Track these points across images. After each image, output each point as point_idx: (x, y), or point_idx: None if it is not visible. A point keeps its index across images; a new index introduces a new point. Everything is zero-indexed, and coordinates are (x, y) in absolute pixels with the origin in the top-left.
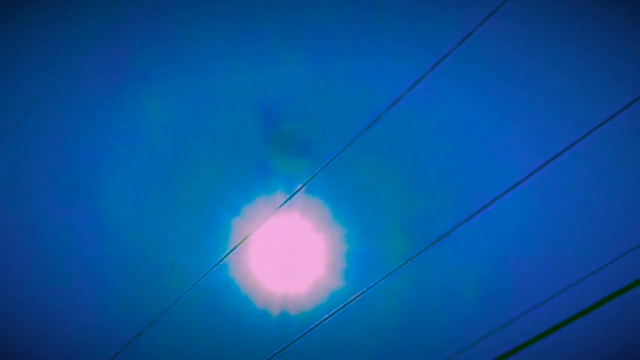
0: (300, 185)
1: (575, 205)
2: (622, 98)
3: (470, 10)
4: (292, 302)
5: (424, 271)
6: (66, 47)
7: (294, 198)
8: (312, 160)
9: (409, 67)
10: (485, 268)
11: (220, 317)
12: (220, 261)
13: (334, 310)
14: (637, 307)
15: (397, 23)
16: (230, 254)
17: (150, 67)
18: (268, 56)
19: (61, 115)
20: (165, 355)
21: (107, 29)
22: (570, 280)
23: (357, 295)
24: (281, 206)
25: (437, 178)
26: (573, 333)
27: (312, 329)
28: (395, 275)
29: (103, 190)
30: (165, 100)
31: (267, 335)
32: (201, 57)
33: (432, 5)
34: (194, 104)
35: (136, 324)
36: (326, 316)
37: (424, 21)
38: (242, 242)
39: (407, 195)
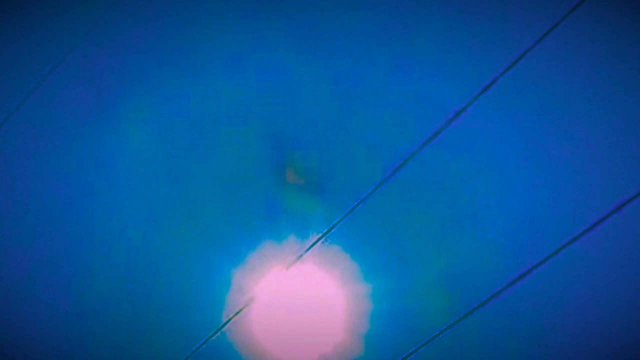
0: (318, 235)
1: None
2: None
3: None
4: None
5: (468, 337)
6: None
7: (311, 249)
8: (333, 203)
9: (450, 96)
10: (534, 340)
11: None
12: (221, 327)
13: None
14: None
15: (437, 46)
16: (234, 318)
17: (137, 81)
18: (282, 73)
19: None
20: None
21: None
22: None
23: None
24: (297, 258)
25: (482, 228)
26: None
27: None
28: (433, 342)
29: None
30: (153, 126)
31: None
32: (200, 68)
33: (477, 27)
34: (189, 125)
35: None
36: None
37: (468, 44)
38: (243, 307)
39: (447, 248)
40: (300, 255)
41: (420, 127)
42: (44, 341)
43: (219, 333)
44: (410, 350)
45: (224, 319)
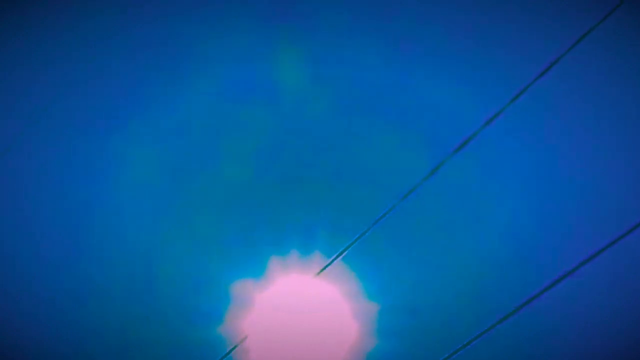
0: (329, 259)
1: None
2: None
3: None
4: None
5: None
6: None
7: (322, 272)
8: (346, 224)
9: (477, 105)
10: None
11: None
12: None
13: None
14: None
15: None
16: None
17: (140, 89)
18: (294, 82)
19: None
20: None
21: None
22: None
23: None
24: (304, 281)
25: (507, 246)
26: None
27: None
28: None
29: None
30: (156, 134)
31: None
32: (205, 74)
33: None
34: (187, 138)
35: None
36: None
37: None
38: (242, 340)
39: (468, 267)
40: (320, 271)
41: (438, 145)
42: (43, 342)
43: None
44: None
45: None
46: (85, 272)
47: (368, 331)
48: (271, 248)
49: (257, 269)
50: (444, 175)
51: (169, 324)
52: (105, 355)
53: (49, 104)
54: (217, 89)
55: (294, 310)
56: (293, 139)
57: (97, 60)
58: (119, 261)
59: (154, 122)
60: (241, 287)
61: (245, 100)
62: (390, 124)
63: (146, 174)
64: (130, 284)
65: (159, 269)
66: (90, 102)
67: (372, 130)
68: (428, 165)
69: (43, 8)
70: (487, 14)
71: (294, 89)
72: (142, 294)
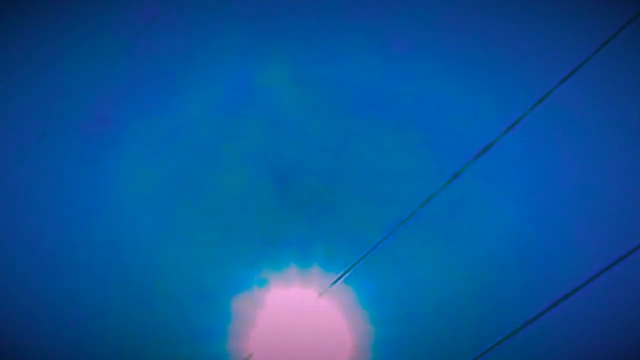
0: (333, 279)
1: None
2: None
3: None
4: None
5: None
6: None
7: (326, 292)
8: (351, 244)
9: (497, 112)
10: None
11: None
12: None
13: None
14: None
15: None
16: None
17: (144, 94)
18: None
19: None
20: None
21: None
22: None
23: None
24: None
25: (524, 254)
26: None
27: None
28: None
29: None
30: (160, 141)
31: None
32: (208, 81)
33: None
34: (189, 147)
35: None
36: None
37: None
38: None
39: (485, 277)
40: (324, 292)
41: (448, 160)
42: (43, 341)
43: None
44: None
45: None
46: (79, 290)
47: (368, 347)
48: (274, 262)
49: (259, 284)
50: (462, 183)
51: (170, 341)
52: None
53: (48, 107)
54: (218, 95)
55: (297, 328)
56: (298, 147)
57: (97, 66)
58: (118, 277)
59: (154, 132)
60: (243, 304)
61: (248, 105)
62: (408, 132)
63: (147, 191)
64: (130, 298)
65: (158, 285)
66: (90, 105)
67: (381, 138)
68: (446, 173)
69: (43, 10)
70: (509, 22)
71: (301, 97)
72: (142, 310)
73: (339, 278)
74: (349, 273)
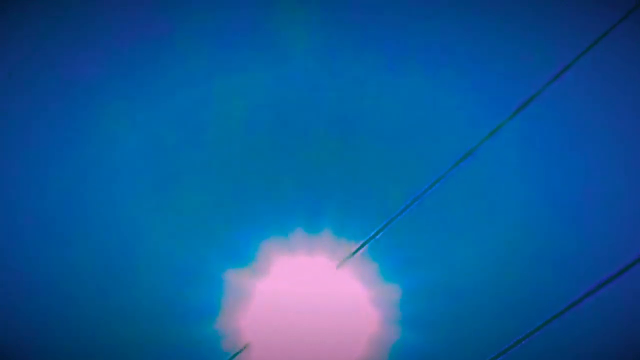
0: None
1: None
2: None
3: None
4: None
5: None
6: None
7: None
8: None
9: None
10: None
11: None
12: None
13: None
14: None
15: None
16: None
17: (130, 77)
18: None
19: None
20: None
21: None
22: None
23: None
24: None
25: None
26: None
27: None
28: None
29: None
30: (148, 125)
31: None
32: (199, 65)
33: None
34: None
35: None
36: None
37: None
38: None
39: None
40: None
41: (478, 122)
42: (31, 338)
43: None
44: None
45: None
46: (69, 263)
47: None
48: (280, 237)
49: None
50: (496, 145)
51: (168, 323)
52: (95, 353)
53: (43, 99)
54: (217, 78)
55: (305, 309)
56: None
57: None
58: (108, 251)
59: (143, 107)
60: (249, 277)
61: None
62: (414, 119)
63: (135, 158)
64: (122, 275)
65: (153, 261)
66: (82, 92)
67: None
68: (477, 135)
69: (42, 5)
70: (498, 19)
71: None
72: (133, 288)
73: (360, 247)
74: (370, 242)
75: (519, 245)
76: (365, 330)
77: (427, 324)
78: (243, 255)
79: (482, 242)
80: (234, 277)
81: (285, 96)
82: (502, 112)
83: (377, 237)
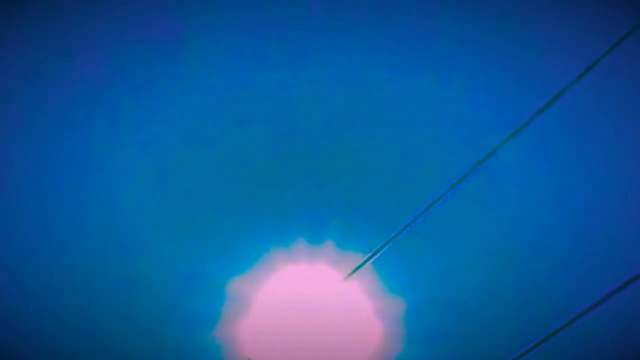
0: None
1: None
2: None
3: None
4: None
5: None
6: None
7: (352, 274)
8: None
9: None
10: None
11: None
12: None
13: None
14: None
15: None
16: None
17: (133, 77)
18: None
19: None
20: None
21: None
22: None
23: None
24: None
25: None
26: None
27: None
28: None
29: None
30: (152, 123)
31: None
32: (203, 64)
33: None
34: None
35: None
36: None
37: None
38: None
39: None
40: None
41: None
42: (30, 339)
43: None
44: None
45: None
46: (68, 270)
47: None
48: (283, 247)
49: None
50: (500, 161)
51: (169, 331)
52: (95, 356)
53: (45, 99)
54: (221, 83)
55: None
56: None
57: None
58: (110, 257)
59: (149, 113)
60: (253, 288)
61: (252, 93)
62: (422, 132)
63: (137, 164)
64: (123, 282)
65: (155, 269)
66: (87, 96)
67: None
68: (481, 150)
69: (43, 6)
70: (517, 26)
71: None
72: (134, 294)
73: (367, 260)
74: (378, 255)
75: (526, 260)
76: (369, 344)
77: (432, 337)
78: (245, 265)
79: (488, 256)
80: (235, 286)
81: (292, 104)
82: (506, 128)
83: (384, 250)
